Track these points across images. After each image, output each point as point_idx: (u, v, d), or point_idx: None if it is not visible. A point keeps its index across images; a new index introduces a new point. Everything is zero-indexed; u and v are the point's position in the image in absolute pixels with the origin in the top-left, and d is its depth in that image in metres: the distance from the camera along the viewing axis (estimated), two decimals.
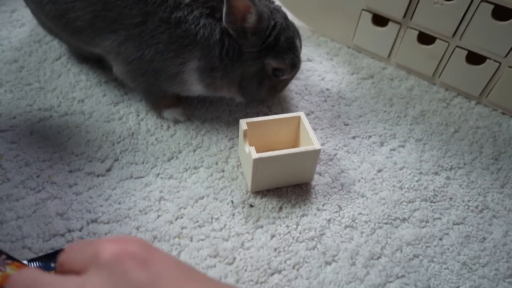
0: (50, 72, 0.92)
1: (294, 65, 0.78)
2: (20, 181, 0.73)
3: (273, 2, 0.79)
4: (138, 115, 0.86)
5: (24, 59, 0.95)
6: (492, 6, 0.81)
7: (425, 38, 0.94)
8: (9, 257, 0.62)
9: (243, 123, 0.73)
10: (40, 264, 0.60)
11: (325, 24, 1.07)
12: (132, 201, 0.73)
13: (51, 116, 0.84)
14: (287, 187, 0.77)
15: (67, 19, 0.75)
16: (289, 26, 0.77)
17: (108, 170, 0.77)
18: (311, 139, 0.72)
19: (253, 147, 0.70)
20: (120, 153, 0.79)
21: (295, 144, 0.80)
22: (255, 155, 0.69)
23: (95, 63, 0.94)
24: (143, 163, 0.78)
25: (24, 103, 0.86)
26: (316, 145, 0.71)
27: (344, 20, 1.03)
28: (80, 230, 0.68)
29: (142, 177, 0.76)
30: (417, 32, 0.94)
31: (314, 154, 0.72)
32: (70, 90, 0.89)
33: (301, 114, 0.76)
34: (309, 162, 0.74)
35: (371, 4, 0.95)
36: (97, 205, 0.71)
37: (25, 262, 0.59)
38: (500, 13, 0.82)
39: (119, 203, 0.72)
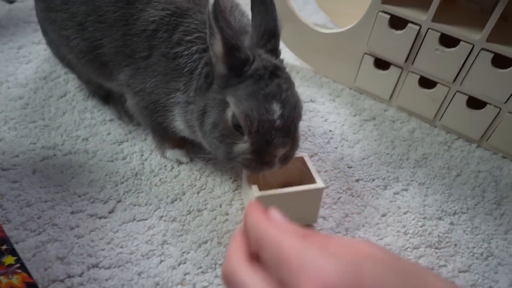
0: (55, 110, 0.93)
1: (250, 121, 0.61)
2: (20, 223, 0.72)
3: (277, 58, 0.70)
4: (142, 155, 0.86)
5: (29, 96, 0.95)
6: (492, 55, 0.84)
7: (426, 82, 0.96)
8: (22, 267, 0.61)
9: None
10: None
11: (327, 65, 1.09)
12: (135, 245, 0.71)
13: (54, 155, 0.84)
14: None
15: (95, 54, 0.77)
16: (272, 84, 0.63)
17: (111, 211, 0.76)
18: (314, 178, 0.72)
19: (256, 185, 0.70)
20: (123, 194, 0.79)
21: (299, 184, 0.80)
22: (257, 193, 0.68)
23: (101, 99, 0.95)
24: (146, 204, 0.78)
25: (28, 141, 0.86)
26: (319, 184, 0.71)
27: (347, 62, 1.05)
28: (80, 276, 0.67)
29: (145, 220, 0.75)
30: (419, 76, 0.96)
31: (318, 193, 0.72)
32: (74, 128, 0.89)
33: (304, 155, 0.77)
34: (313, 201, 0.73)
35: (373, 48, 0.97)
36: (99, 249, 0.70)
37: None
38: (500, 61, 0.84)
39: (121, 247, 0.71)
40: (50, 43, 0.90)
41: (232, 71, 0.64)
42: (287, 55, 1.17)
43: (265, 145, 0.63)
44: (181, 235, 0.74)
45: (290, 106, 0.64)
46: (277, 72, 0.65)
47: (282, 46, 1.13)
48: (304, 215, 0.76)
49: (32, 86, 0.98)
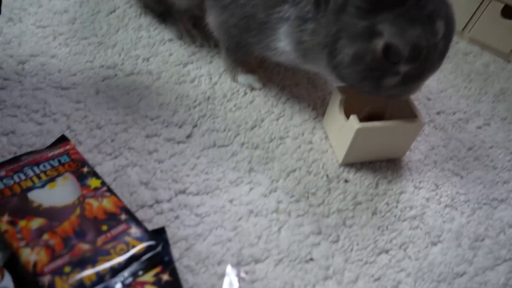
0: (107, 26, 0.83)
1: (418, 50, 0.54)
2: (94, 145, 0.65)
3: None
4: (211, 79, 0.78)
5: (75, 9, 0.85)
6: None
7: (508, 12, 0.89)
8: (109, 190, 0.56)
9: (338, 92, 0.67)
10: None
11: None
12: (221, 172, 0.66)
13: (115, 75, 0.75)
14: (380, 163, 0.72)
15: None
16: None
17: (188, 136, 0.70)
18: (414, 112, 0.67)
19: (355, 116, 0.64)
20: (198, 118, 0.72)
21: (389, 116, 0.74)
22: (358, 124, 0.63)
23: (157, 17, 0.85)
24: (224, 130, 0.71)
25: (84, 59, 0.77)
26: (421, 119, 0.66)
27: None
28: (168, 201, 0.61)
29: (227, 146, 0.69)
30: (503, 4, 0.88)
31: (417, 128, 0.67)
32: (132, 47, 0.80)
33: None
34: (409, 136, 0.69)
35: None
36: (183, 175, 0.65)
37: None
38: None
39: (207, 173, 0.65)
40: None
41: None
42: None
43: (422, 71, 0.58)
44: (267, 163, 0.68)
45: (452, 20, 0.56)
46: None
47: None
48: (396, 149, 0.71)
49: None
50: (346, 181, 0.69)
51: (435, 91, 0.86)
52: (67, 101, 0.70)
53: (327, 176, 0.68)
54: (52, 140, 0.64)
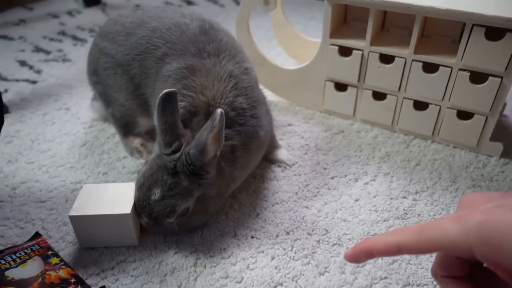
0: (78, 155, 1.13)
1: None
2: (60, 237, 0.89)
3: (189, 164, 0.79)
4: None
5: (56, 147, 1.16)
6: (421, 63, 1.06)
7: (379, 95, 1.17)
8: (65, 264, 0.77)
9: None
10: None
11: (298, 96, 1.31)
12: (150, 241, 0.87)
13: (81, 187, 1.02)
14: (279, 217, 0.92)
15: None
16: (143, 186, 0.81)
17: None
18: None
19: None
20: None
21: None
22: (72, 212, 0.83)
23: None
24: None
25: (59, 179, 1.04)
26: (126, 211, 0.82)
27: (313, 91, 1.27)
28: (112, 269, 0.82)
29: None
30: (371, 91, 1.17)
31: (127, 219, 0.82)
32: (95, 167, 1.09)
33: None
34: (125, 225, 0.84)
35: (331, 74, 1.20)
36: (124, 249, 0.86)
37: None
38: (430, 67, 1.06)
39: (142, 246, 0.87)
40: (108, 89, 1.09)
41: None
42: (266, 94, 1.39)
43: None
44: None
45: (145, 196, 0.81)
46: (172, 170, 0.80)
47: (261, 86, 1.36)
48: (121, 238, 0.85)
49: (58, 141, 1.18)
50: (252, 237, 0.88)
51: (330, 162, 1.09)
52: (44, 210, 0.95)
53: (235, 235, 0.89)
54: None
